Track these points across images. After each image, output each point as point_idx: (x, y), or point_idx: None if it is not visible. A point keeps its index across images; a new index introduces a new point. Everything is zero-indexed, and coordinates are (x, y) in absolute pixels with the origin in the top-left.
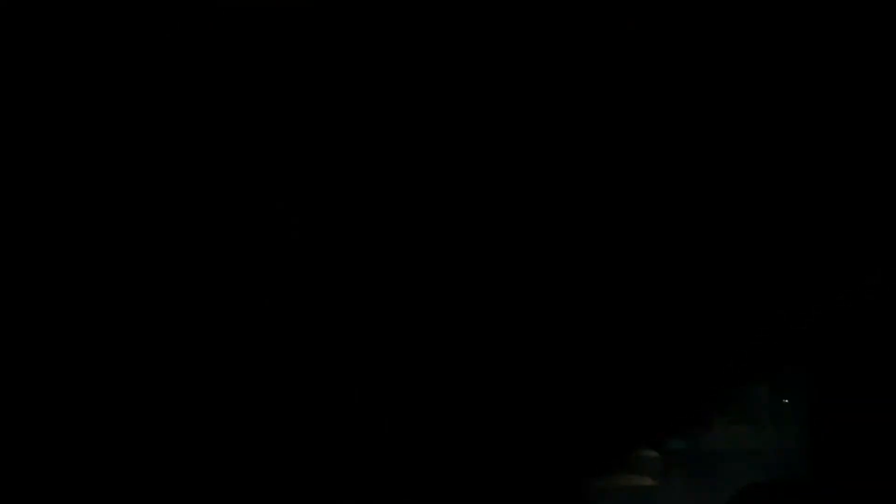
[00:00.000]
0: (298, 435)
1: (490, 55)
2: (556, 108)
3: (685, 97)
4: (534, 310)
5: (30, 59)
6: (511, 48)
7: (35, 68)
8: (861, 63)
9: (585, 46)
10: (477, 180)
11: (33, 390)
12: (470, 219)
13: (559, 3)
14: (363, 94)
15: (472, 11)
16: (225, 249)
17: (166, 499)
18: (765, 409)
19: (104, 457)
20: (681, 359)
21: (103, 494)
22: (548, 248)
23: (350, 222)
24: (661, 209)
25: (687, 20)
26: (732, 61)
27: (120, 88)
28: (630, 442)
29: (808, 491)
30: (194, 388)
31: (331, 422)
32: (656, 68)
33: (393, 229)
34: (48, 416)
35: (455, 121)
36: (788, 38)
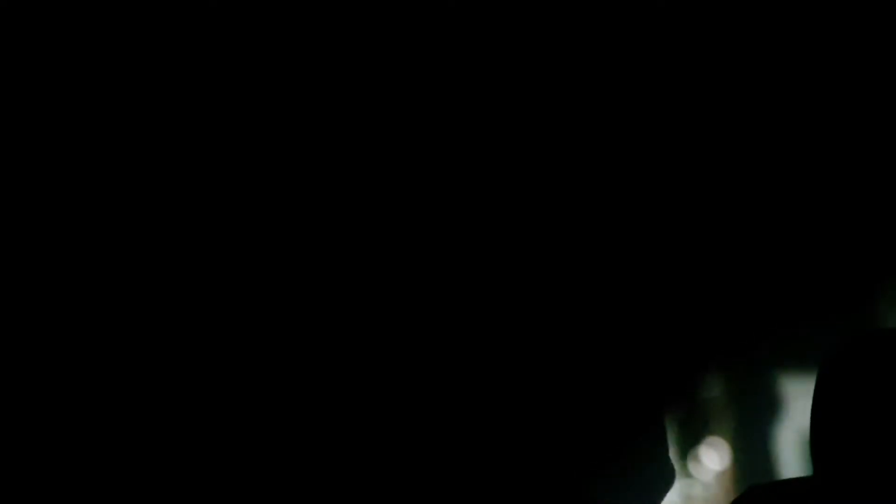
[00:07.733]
0: (299, 435)
1: (487, 55)
2: (557, 108)
3: (684, 98)
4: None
5: (30, 59)
6: (510, 48)
7: (35, 68)
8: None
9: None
10: (472, 180)
11: (33, 390)
12: (468, 219)
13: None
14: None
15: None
16: (224, 250)
17: (166, 499)
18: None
19: (104, 457)
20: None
21: (103, 494)
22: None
23: (351, 223)
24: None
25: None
26: (732, 61)
27: (119, 88)
28: (622, 439)
29: (808, 491)
30: (194, 388)
31: (331, 422)
32: (655, 68)
33: (391, 230)
34: (48, 416)
35: (455, 121)
36: (788, 38)
